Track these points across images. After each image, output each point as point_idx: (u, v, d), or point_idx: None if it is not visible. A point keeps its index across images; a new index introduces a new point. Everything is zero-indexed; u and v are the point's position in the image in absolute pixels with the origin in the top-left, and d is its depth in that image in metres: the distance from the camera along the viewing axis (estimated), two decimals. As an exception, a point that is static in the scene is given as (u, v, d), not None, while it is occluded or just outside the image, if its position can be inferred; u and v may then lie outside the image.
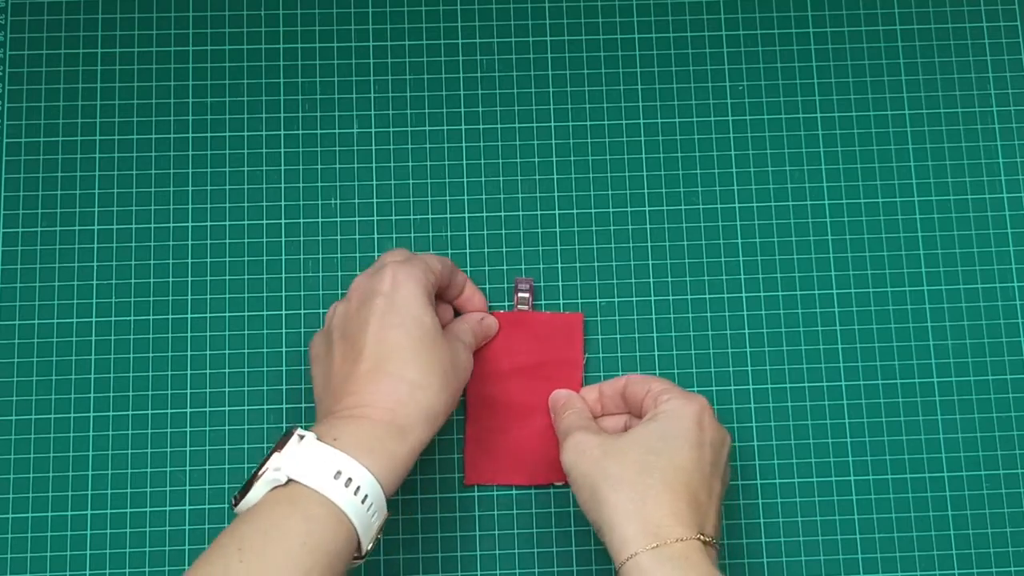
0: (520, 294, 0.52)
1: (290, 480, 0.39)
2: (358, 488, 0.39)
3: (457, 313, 0.51)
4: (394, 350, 0.43)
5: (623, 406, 0.50)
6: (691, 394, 0.46)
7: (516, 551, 0.51)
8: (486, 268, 0.54)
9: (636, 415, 0.49)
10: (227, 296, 0.53)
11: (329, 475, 0.39)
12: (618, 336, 0.53)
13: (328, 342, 0.46)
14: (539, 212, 0.54)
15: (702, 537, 0.41)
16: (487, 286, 0.53)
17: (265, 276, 0.53)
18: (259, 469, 0.40)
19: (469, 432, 0.52)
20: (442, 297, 0.50)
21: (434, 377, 0.44)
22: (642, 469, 0.42)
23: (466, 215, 0.54)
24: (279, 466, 0.39)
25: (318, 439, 0.40)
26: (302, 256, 0.53)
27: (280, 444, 0.40)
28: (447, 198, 0.54)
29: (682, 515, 0.41)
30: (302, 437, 0.40)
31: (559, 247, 0.54)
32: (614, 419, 0.50)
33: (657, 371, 0.53)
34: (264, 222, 0.54)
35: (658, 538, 0.40)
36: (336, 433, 0.41)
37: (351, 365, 0.44)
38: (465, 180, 0.55)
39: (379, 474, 0.40)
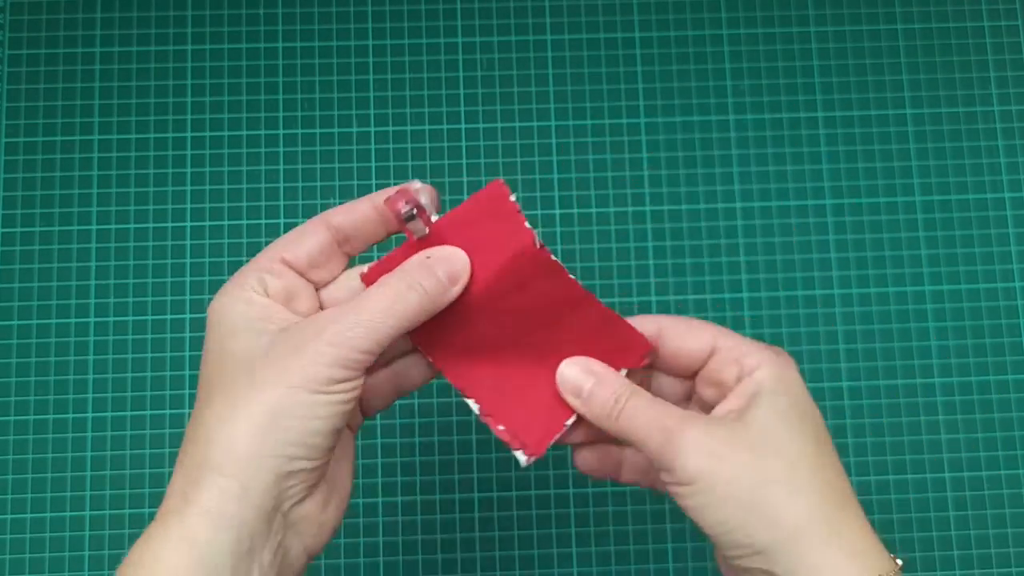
0: (405, 209, 0.33)
1: None
2: None
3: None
4: (201, 393, 0.33)
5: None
6: (772, 353, 0.36)
7: (516, 552, 0.51)
8: (486, 268, 0.53)
9: (681, 374, 0.38)
10: (226, 296, 0.53)
11: None
12: (618, 336, 0.53)
13: None
14: (539, 212, 0.54)
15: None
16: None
17: (264, 276, 0.53)
18: None
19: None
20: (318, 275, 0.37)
21: (244, 435, 0.31)
22: (814, 464, 0.33)
23: (466, 215, 0.54)
24: None
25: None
26: (301, 256, 0.53)
27: None
28: (447, 198, 0.54)
29: (869, 528, 0.33)
30: None
31: (559, 247, 0.54)
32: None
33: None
34: (264, 222, 0.54)
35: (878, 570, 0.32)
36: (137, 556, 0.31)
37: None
38: (465, 180, 0.54)
39: None
